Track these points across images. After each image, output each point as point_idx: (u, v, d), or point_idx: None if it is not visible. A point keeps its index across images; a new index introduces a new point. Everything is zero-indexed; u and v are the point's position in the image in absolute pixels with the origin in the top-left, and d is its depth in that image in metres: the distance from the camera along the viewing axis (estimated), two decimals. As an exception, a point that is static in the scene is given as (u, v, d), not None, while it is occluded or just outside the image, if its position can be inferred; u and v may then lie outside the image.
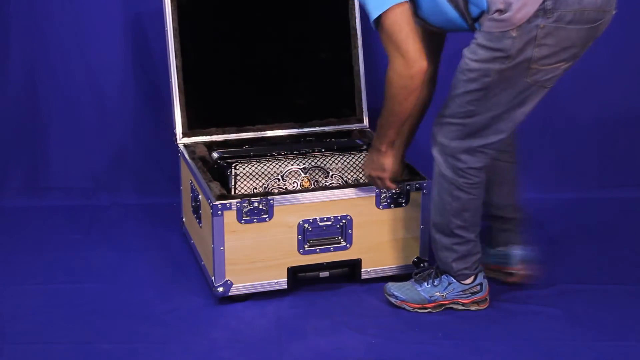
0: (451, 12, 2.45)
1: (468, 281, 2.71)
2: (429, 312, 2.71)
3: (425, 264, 2.91)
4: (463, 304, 2.73)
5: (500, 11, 2.35)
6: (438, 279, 2.71)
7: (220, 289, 2.76)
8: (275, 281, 2.80)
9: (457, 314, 2.72)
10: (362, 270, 2.86)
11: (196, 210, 2.94)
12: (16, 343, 2.57)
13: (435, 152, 2.59)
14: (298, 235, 2.78)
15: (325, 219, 2.79)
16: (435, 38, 2.65)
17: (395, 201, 2.82)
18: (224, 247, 2.72)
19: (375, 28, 2.47)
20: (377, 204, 2.82)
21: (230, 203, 2.69)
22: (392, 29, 2.42)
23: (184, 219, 3.21)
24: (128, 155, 3.56)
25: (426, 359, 2.52)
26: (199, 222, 2.91)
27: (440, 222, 2.65)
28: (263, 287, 2.80)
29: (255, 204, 2.71)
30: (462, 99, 2.49)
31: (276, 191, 2.77)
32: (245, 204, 2.70)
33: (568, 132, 3.58)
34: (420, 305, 2.71)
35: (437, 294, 2.70)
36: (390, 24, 2.42)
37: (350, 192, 2.79)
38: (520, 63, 2.40)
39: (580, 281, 2.92)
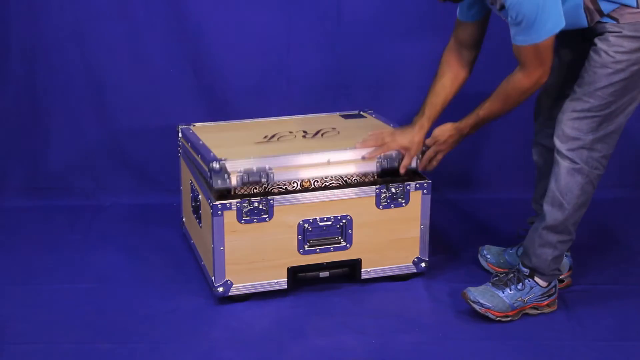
0: (582, 16, 2.51)
1: (546, 284, 2.70)
2: (510, 320, 2.68)
3: (425, 263, 2.91)
4: (538, 308, 2.72)
5: None
6: (521, 283, 2.69)
7: (220, 289, 2.76)
8: (275, 281, 2.80)
9: (455, 314, 2.72)
10: (362, 270, 2.86)
11: (196, 210, 2.94)
12: (16, 343, 2.57)
13: (566, 150, 2.58)
14: (298, 235, 2.78)
15: (325, 219, 2.79)
16: (484, 24, 2.73)
17: (395, 201, 2.83)
18: (224, 247, 2.72)
19: (524, 43, 2.49)
20: (377, 204, 2.82)
21: (230, 203, 2.69)
22: (548, 50, 2.50)
23: (184, 219, 3.21)
24: (128, 155, 3.56)
25: (426, 359, 2.53)
26: (199, 222, 2.91)
27: (559, 217, 2.62)
28: (263, 287, 2.80)
29: (255, 204, 2.71)
30: (604, 92, 2.52)
31: (276, 191, 2.77)
32: (245, 204, 2.70)
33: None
34: (504, 314, 2.68)
35: (520, 299, 2.68)
36: (548, 45, 2.49)
37: (350, 192, 2.79)
38: None
39: (580, 281, 2.92)
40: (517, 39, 2.50)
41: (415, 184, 2.83)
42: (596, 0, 2.48)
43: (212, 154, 2.73)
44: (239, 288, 2.77)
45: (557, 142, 2.60)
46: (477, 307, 2.67)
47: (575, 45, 2.64)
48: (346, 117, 3.16)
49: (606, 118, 2.55)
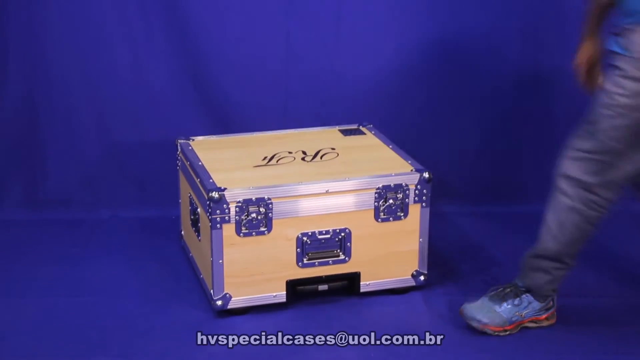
0: None
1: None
2: (508, 334, 2.67)
3: (424, 277, 2.91)
4: (537, 322, 2.70)
5: None
6: (519, 298, 2.66)
7: (219, 302, 2.75)
8: (274, 294, 2.80)
9: (454, 327, 2.71)
10: (361, 283, 2.86)
11: (195, 223, 2.94)
12: (15, 356, 2.57)
13: (565, 185, 2.49)
14: (297, 249, 2.78)
15: (324, 232, 2.79)
16: None
17: (394, 214, 2.83)
18: (222, 260, 2.72)
19: None
20: (376, 217, 2.82)
21: (229, 216, 2.70)
22: None
23: (182, 232, 3.21)
24: (127, 168, 3.56)
25: (425, 372, 2.53)
26: (198, 236, 2.91)
27: (552, 248, 2.57)
28: (262, 301, 2.80)
29: (254, 216, 2.71)
30: (605, 135, 2.38)
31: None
32: (244, 217, 2.71)
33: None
34: (502, 328, 2.66)
35: (517, 314, 2.66)
36: None
37: (349, 205, 2.79)
38: None
39: (577, 294, 2.91)
40: None
41: (415, 197, 2.84)
42: None
43: (211, 180, 2.75)
44: (237, 301, 2.77)
45: (558, 177, 2.52)
46: (474, 324, 2.67)
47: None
48: (345, 132, 3.17)
49: (610, 165, 2.41)
